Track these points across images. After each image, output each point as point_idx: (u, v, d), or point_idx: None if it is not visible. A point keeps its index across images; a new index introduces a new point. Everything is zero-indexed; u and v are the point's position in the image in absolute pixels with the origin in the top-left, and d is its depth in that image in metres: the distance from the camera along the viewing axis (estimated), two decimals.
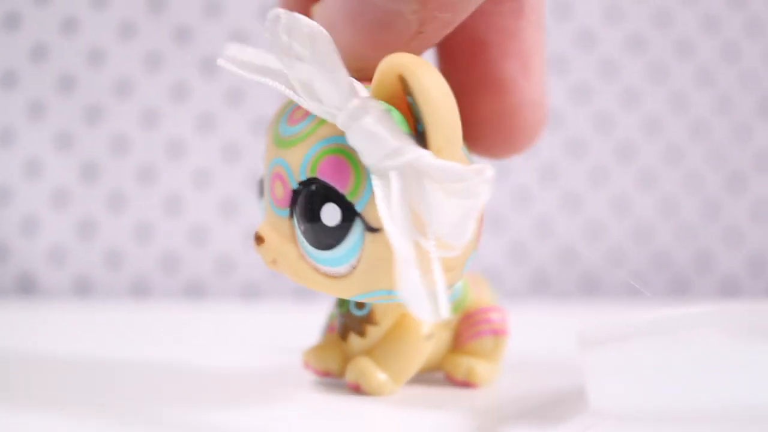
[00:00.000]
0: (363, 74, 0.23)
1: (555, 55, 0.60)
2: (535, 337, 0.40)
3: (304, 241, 0.23)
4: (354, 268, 0.23)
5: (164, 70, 0.57)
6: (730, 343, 0.21)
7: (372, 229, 0.23)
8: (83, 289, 0.56)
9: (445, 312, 0.20)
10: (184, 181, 0.57)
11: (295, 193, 0.23)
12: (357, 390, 0.26)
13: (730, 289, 0.60)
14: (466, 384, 0.28)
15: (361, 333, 0.26)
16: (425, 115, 0.22)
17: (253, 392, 0.27)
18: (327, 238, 0.23)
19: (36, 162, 0.56)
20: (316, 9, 0.24)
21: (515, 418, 0.24)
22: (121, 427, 0.22)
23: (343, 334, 0.27)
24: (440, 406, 0.26)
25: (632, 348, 0.21)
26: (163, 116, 0.57)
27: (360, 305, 0.27)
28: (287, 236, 0.24)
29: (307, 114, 0.23)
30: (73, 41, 0.56)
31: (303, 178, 0.23)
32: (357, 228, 0.23)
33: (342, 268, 0.23)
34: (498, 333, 0.29)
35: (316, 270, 0.24)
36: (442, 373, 0.29)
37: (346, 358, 0.27)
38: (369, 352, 0.26)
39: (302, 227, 0.23)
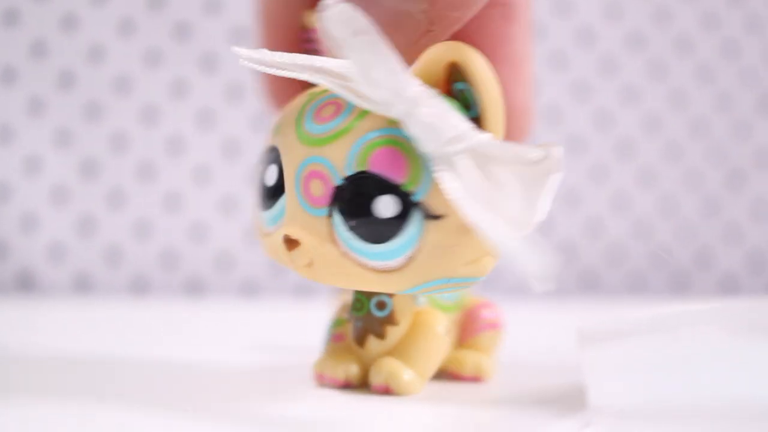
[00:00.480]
0: None
1: (555, 53, 0.60)
2: (535, 335, 0.40)
3: (352, 237, 0.23)
4: (410, 259, 0.23)
5: (164, 67, 0.57)
6: (729, 340, 0.21)
7: (433, 217, 0.23)
8: (83, 286, 0.56)
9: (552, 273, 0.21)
10: (183, 178, 0.57)
11: (338, 190, 0.23)
12: (386, 392, 0.26)
13: (729, 286, 0.60)
14: (475, 379, 0.28)
15: (381, 335, 0.26)
16: (484, 100, 0.22)
17: (253, 390, 0.27)
18: (383, 231, 0.23)
19: (35, 159, 0.56)
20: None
21: (514, 414, 0.24)
22: (120, 424, 0.22)
23: (361, 339, 0.26)
24: (438, 402, 0.26)
25: (632, 345, 0.21)
26: (163, 113, 0.57)
27: (381, 306, 0.26)
28: (324, 236, 0.23)
29: (339, 110, 0.23)
30: (72, 38, 0.56)
31: (350, 172, 0.23)
32: (415, 218, 0.23)
33: (396, 261, 0.23)
34: (496, 327, 0.29)
35: (364, 266, 0.23)
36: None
37: (364, 364, 0.26)
38: (391, 353, 0.26)
39: (351, 222, 0.23)
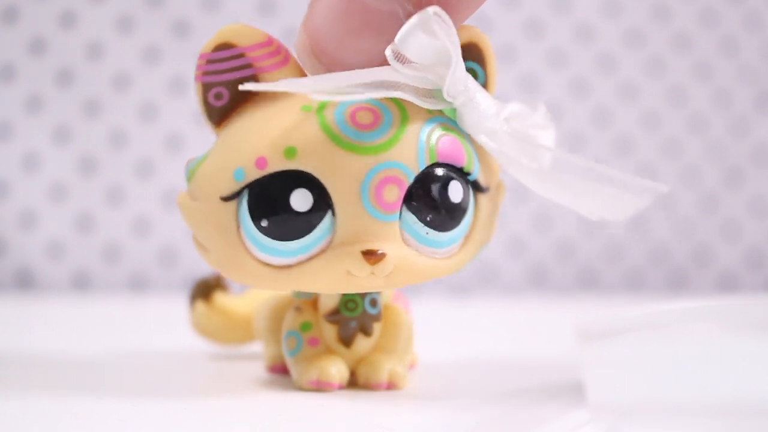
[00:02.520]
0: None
1: (554, 50, 0.60)
2: (533, 332, 0.40)
3: (429, 231, 0.24)
4: (467, 236, 0.24)
5: (162, 64, 0.57)
6: (728, 337, 0.21)
7: (483, 190, 0.25)
8: (81, 283, 0.56)
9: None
10: (182, 175, 0.57)
11: (410, 188, 0.23)
12: (388, 388, 0.26)
13: (728, 283, 0.60)
14: (410, 366, 0.29)
15: (370, 332, 0.26)
16: (491, 78, 0.25)
17: (253, 387, 0.27)
18: (454, 217, 0.24)
19: (34, 156, 0.56)
20: (307, 13, 0.24)
21: (513, 412, 0.24)
22: (119, 421, 0.22)
23: (350, 339, 0.26)
24: (437, 399, 0.26)
25: (630, 342, 0.21)
26: (162, 110, 0.57)
27: (374, 304, 0.26)
28: (400, 240, 0.24)
29: (377, 112, 0.23)
30: (71, 35, 0.56)
31: (422, 168, 0.23)
32: (472, 195, 0.24)
33: (458, 243, 0.24)
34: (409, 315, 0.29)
35: (434, 257, 0.24)
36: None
37: (349, 364, 0.26)
38: (377, 349, 0.26)
39: (429, 216, 0.23)
